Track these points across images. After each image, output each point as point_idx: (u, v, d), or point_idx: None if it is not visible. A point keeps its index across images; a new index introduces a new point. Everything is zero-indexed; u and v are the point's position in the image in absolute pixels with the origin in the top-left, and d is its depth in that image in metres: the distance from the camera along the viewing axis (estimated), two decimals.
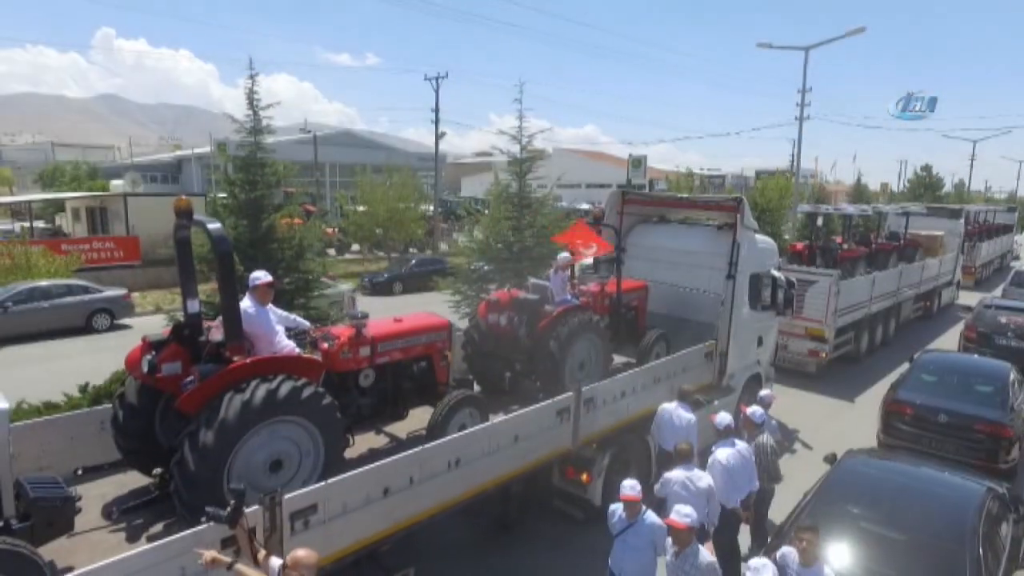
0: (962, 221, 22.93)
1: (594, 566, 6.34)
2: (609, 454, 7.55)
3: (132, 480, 5.63)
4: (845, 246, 18.48)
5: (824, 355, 13.74)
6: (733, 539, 6.57)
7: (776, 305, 10.50)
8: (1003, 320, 14.15)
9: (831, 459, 7.04)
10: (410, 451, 5.42)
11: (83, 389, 8.18)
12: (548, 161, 16.78)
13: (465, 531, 7.44)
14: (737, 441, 6.62)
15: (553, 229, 14.13)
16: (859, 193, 49.39)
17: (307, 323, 6.27)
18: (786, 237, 25.19)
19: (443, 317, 7.40)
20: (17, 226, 32.10)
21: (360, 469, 5.04)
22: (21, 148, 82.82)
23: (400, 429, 7.08)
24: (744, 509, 6.60)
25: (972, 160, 55.22)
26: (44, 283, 17.55)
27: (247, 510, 3.97)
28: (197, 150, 55.41)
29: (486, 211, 17.09)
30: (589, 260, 8.97)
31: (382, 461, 5.19)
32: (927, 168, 51.41)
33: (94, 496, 5.31)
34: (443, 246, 35.50)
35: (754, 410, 7.24)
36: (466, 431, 6.10)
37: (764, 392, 8.31)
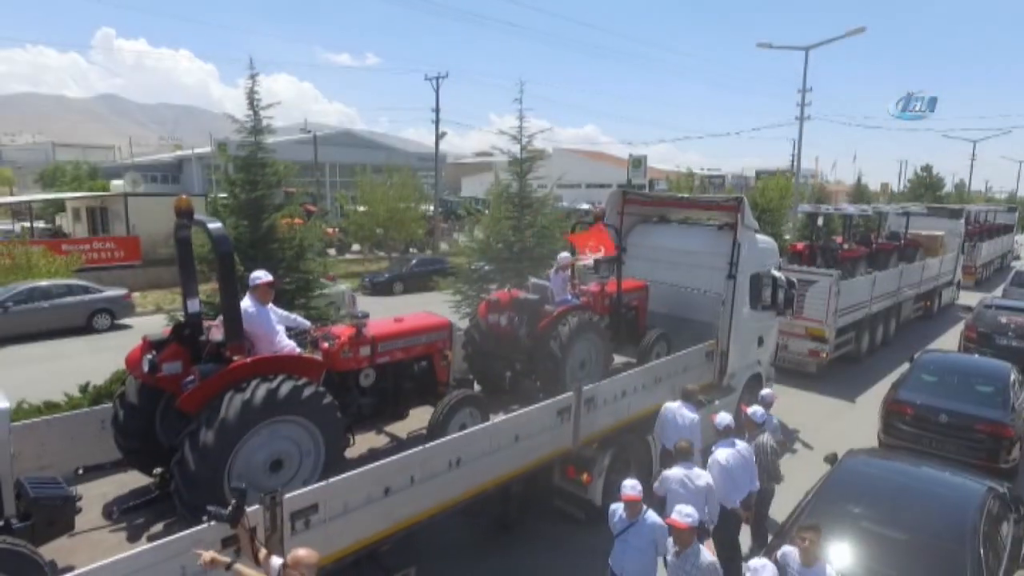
0: (962, 221, 22.92)
1: (594, 566, 6.34)
2: (610, 454, 7.55)
3: (132, 480, 5.63)
4: (845, 246, 18.47)
5: (824, 355, 13.73)
6: (734, 539, 6.57)
7: (776, 305, 10.49)
8: (1003, 320, 14.15)
9: (832, 459, 7.03)
10: (411, 451, 5.42)
11: (84, 389, 8.18)
12: (548, 161, 16.78)
13: (465, 531, 7.43)
14: (737, 441, 6.62)
15: (553, 229, 14.14)
16: (859, 193, 49.38)
17: (307, 323, 6.28)
18: (786, 237, 25.17)
19: (443, 317, 7.40)
20: (18, 226, 32.12)
21: (361, 469, 5.04)
22: (21, 148, 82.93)
23: (401, 429, 7.08)
24: (745, 509, 6.59)
25: (972, 160, 55.31)
26: (44, 283, 17.57)
27: (248, 509, 3.97)
28: (197, 150, 55.41)
29: (486, 211, 17.09)
30: (589, 261, 8.98)
31: (383, 461, 5.19)
32: (927, 168, 51.45)
33: (95, 496, 5.31)
34: (443, 246, 35.50)
35: (755, 410, 7.24)
36: (466, 431, 6.10)
37: (765, 391, 8.31)
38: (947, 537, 5.38)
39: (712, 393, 9.35)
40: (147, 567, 3.78)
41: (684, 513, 4.87)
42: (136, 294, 20.44)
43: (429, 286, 22.29)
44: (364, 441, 6.68)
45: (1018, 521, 6.07)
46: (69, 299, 17.50)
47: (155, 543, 3.97)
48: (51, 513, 4.58)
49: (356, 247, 34.71)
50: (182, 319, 5.57)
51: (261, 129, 10.86)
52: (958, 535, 5.34)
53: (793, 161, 34.09)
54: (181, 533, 4.00)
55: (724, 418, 6.66)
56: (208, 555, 3.70)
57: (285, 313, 6.07)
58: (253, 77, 10.64)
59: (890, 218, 22.23)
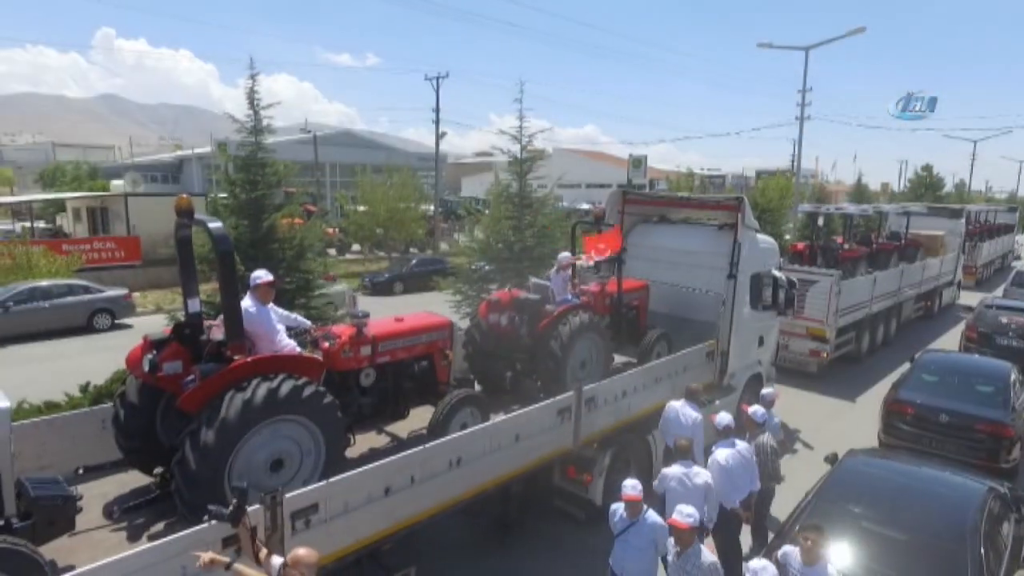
0: (963, 221, 22.91)
1: (594, 566, 6.34)
2: (610, 454, 7.55)
3: (133, 479, 5.63)
4: (846, 246, 18.45)
5: (825, 355, 13.74)
6: (734, 539, 6.56)
7: (777, 305, 10.50)
8: (1004, 320, 14.16)
9: (832, 459, 7.03)
10: (411, 450, 5.42)
11: (84, 388, 8.19)
12: (548, 161, 16.78)
13: (465, 531, 7.43)
14: (737, 441, 6.61)
15: (554, 229, 14.14)
16: (860, 193, 49.32)
17: (308, 322, 6.27)
18: (787, 237, 25.17)
19: (444, 316, 7.40)
20: (18, 226, 32.11)
21: (361, 468, 5.03)
22: (21, 148, 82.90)
23: (401, 428, 7.08)
24: (745, 509, 6.59)
25: (973, 160, 55.29)
26: (45, 283, 17.58)
27: (248, 509, 3.97)
28: (197, 150, 55.42)
29: (487, 211, 17.09)
30: (590, 262, 8.99)
31: (383, 460, 5.19)
32: (928, 168, 51.39)
33: (95, 495, 5.30)
34: (444, 246, 35.51)
35: (755, 409, 7.24)
36: (467, 430, 6.10)
37: (766, 390, 8.31)
38: (947, 537, 5.37)
39: (712, 393, 9.35)
40: (147, 567, 3.77)
41: (685, 513, 4.86)
42: (136, 294, 20.45)
43: (429, 286, 22.29)
44: (364, 441, 6.68)
45: (1019, 521, 6.06)
46: (69, 299, 17.52)
47: (156, 543, 3.97)
48: (51, 513, 4.57)
49: (356, 247, 34.71)
50: (183, 319, 5.57)
51: (261, 129, 10.87)
52: (958, 535, 5.34)
53: (793, 161, 34.11)
54: (182, 533, 3.99)
55: (724, 418, 6.66)
56: (207, 556, 3.68)
57: (285, 313, 6.07)
58: (253, 77, 10.66)
59: (890, 218, 22.22)
